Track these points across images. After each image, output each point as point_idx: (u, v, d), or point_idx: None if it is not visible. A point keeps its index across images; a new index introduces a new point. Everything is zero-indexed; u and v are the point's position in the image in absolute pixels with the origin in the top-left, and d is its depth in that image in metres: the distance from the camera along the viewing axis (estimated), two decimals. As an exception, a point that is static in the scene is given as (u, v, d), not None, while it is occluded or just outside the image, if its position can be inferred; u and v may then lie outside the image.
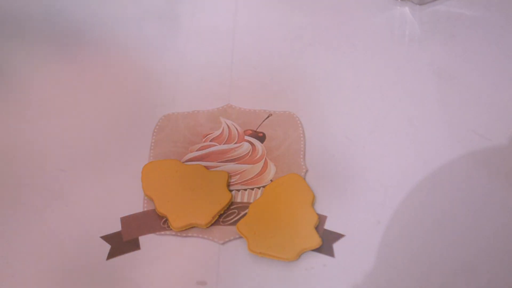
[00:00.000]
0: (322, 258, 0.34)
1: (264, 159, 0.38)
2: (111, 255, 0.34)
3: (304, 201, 0.36)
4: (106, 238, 0.34)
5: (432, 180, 0.37)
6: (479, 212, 0.36)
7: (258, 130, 0.40)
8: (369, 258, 0.34)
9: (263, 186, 0.37)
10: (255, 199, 0.36)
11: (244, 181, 0.37)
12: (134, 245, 0.34)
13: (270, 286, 0.33)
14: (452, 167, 0.38)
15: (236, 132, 0.39)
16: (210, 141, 0.39)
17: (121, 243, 0.34)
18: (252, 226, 0.34)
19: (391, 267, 0.34)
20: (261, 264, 0.34)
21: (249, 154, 0.38)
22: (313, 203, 0.36)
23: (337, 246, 0.35)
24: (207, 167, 0.37)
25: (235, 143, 0.39)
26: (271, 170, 0.38)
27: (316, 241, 0.34)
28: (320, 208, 0.36)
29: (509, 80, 0.42)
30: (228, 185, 0.36)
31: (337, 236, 0.35)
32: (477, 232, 0.35)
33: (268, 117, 0.40)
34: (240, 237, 0.34)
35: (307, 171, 0.38)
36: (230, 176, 0.37)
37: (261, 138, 0.39)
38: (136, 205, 0.36)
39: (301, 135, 0.39)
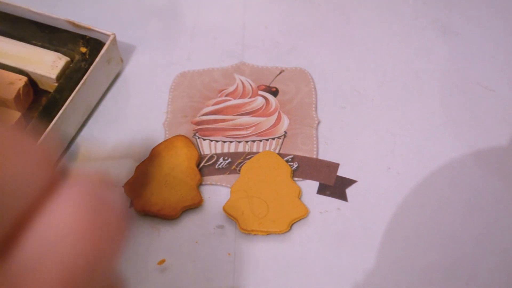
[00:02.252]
0: (336, 202, 0.36)
1: (277, 112, 0.40)
2: None
3: (283, 174, 0.36)
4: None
5: (438, 128, 0.39)
6: (485, 158, 0.37)
7: (271, 85, 0.41)
8: (380, 201, 0.36)
9: (278, 137, 0.38)
10: (269, 149, 0.38)
11: (259, 132, 0.39)
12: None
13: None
14: (458, 117, 0.40)
15: (250, 87, 0.41)
16: (226, 96, 0.41)
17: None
18: (238, 207, 0.35)
19: (400, 210, 0.36)
20: (278, 208, 0.35)
21: (263, 107, 0.40)
22: (291, 176, 0.37)
23: (349, 191, 0.36)
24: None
25: (249, 97, 0.40)
26: (285, 122, 0.39)
27: (304, 210, 0.35)
28: (333, 156, 0.38)
29: (510, 35, 0.44)
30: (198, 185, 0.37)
31: (350, 182, 0.37)
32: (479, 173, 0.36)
33: (280, 73, 0.42)
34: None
35: (319, 122, 0.39)
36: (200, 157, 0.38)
37: (274, 92, 0.41)
38: (157, 156, 0.38)
39: (313, 89, 0.41)
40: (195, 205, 0.35)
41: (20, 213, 0.11)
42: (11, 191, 0.11)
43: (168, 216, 0.35)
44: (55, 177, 0.12)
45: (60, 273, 0.11)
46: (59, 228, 0.11)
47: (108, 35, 0.39)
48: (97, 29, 0.39)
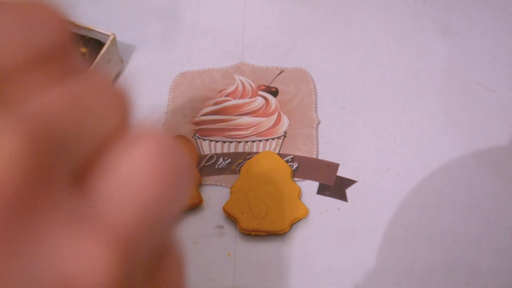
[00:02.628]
0: (336, 202, 0.36)
1: (277, 112, 0.40)
2: None
3: (283, 175, 0.36)
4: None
5: (438, 128, 0.39)
6: (485, 158, 0.37)
7: (271, 86, 0.41)
8: (380, 201, 0.36)
9: (278, 137, 0.38)
10: (269, 149, 0.38)
11: (259, 132, 0.39)
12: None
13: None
14: (458, 117, 0.40)
15: (250, 87, 0.41)
16: (226, 96, 0.41)
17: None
18: (238, 207, 0.35)
19: (400, 209, 0.36)
20: (278, 208, 0.35)
21: (263, 107, 0.40)
22: (291, 176, 0.37)
23: (349, 191, 0.36)
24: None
25: (249, 97, 0.41)
26: (285, 122, 0.39)
27: (304, 210, 0.35)
28: (333, 156, 0.38)
29: (510, 35, 0.44)
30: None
31: (350, 182, 0.37)
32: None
33: (280, 73, 0.42)
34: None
35: (319, 122, 0.39)
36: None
37: (274, 92, 0.41)
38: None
39: (313, 89, 0.41)
40: (195, 205, 0.35)
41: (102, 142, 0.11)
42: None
43: None
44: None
45: (137, 209, 0.11)
46: (135, 166, 0.11)
47: (108, 35, 0.39)
48: (97, 29, 0.39)
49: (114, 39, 0.39)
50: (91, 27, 0.39)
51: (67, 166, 0.10)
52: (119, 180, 0.11)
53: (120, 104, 0.12)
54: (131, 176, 0.11)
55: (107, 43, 0.39)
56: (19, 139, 0.09)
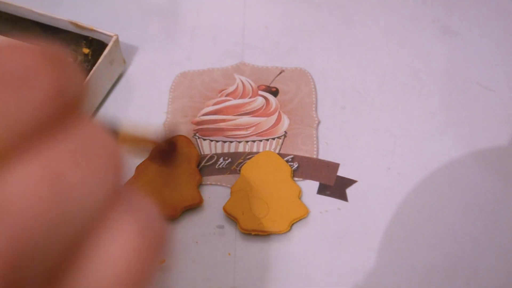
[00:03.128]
0: (336, 202, 0.36)
1: (277, 112, 0.40)
2: None
3: (283, 174, 0.36)
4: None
5: (438, 128, 0.39)
6: (485, 158, 0.37)
7: (271, 85, 0.41)
8: (380, 201, 0.36)
9: (278, 137, 0.38)
10: (269, 149, 0.38)
11: (259, 132, 0.39)
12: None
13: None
14: (458, 117, 0.40)
15: (250, 87, 0.41)
16: (226, 96, 0.41)
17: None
18: (238, 207, 0.35)
19: (400, 209, 0.36)
20: (278, 208, 0.35)
21: (263, 107, 0.40)
22: (291, 176, 0.37)
23: (349, 191, 0.36)
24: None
25: (250, 97, 0.41)
26: (285, 122, 0.39)
27: (304, 210, 0.35)
28: (333, 156, 0.38)
29: (510, 35, 0.44)
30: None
31: (350, 182, 0.37)
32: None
33: (280, 73, 0.42)
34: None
35: (319, 122, 0.39)
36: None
37: (274, 92, 0.41)
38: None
39: (313, 89, 0.41)
40: (195, 205, 0.35)
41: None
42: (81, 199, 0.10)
43: (168, 216, 0.35)
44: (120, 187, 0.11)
45: None
46: (112, 263, 0.11)
47: (111, 36, 0.39)
48: (99, 30, 0.40)
49: (117, 40, 0.39)
50: (94, 28, 0.39)
51: (42, 269, 0.10)
52: (93, 282, 0.10)
53: (112, 168, 0.11)
54: (106, 274, 0.10)
55: (110, 44, 0.39)
56: None
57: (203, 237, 0.35)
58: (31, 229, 0.09)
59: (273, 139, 0.39)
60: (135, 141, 0.32)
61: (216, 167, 0.37)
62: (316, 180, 0.37)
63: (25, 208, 0.09)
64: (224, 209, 0.35)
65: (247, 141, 0.38)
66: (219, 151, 0.38)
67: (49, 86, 0.10)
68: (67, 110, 0.10)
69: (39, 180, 0.09)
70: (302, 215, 0.35)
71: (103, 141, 0.11)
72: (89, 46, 0.39)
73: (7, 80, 0.09)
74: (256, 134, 0.39)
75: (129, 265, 0.11)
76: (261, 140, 0.38)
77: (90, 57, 0.39)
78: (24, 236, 0.09)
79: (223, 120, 0.39)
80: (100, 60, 0.38)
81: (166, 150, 0.31)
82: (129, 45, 0.43)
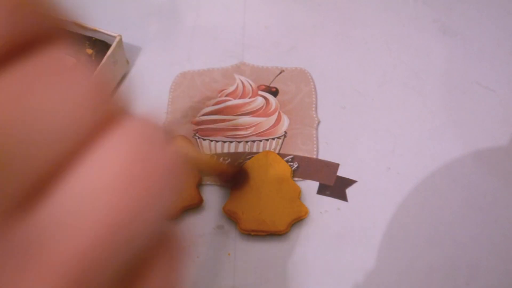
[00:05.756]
0: (336, 202, 0.36)
1: (277, 112, 0.40)
2: None
3: (283, 174, 0.36)
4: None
5: (438, 128, 0.39)
6: (485, 158, 0.37)
7: (271, 85, 0.41)
8: (380, 201, 0.36)
9: (278, 137, 0.38)
10: (269, 149, 0.38)
11: (259, 132, 0.39)
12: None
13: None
14: (458, 117, 0.40)
15: (250, 87, 0.41)
16: (226, 96, 0.41)
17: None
18: (238, 207, 0.35)
19: (400, 209, 0.36)
20: (278, 208, 0.35)
21: (263, 107, 0.40)
22: (291, 176, 0.37)
23: (349, 191, 0.36)
24: (223, 120, 0.39)
25: (250, 97, 0.41)
26: (285, 122, 0.39)
27: (304, 210, 0.35)
28: (333, 156, 0.38)
29: (510, 35, 0.44)
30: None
31: (350, 182, 0.37)
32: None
33: (280, 73, 0.42)
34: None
35: (319, 122, 0.39)
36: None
37: (274, 92, 0.41)
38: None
39: (313, 89, 0.41)
40: (195, 205, 0.35)
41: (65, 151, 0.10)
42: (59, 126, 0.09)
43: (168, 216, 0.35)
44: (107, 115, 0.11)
45: (96, 228, 0.09)
46: (102, 173, 0.10)
47: (114, 37, 0.39)
48: (103, 31, 0.39)
49: (121, 40, 0.39)
50: (97, 29, 0.39)
51: (13, 189, 0.09)
52: (76, 194, 0.09)
53: (93, 90, 0.10)
54: (92, 188, 0.09)
55: (113, 44, 0.39)
56: None
57: (203, 237, 0.35)
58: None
59: (273, 139, 0.39)
60: (207, 166, 0.33)
61: (216, 167, 0.37)
62: (316, 180, 0.37)
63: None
64: (224, 209, 0.35)
65: (247, 141, 0.38)
66: (219, 151, 0.38)
67: None
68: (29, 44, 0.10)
69: None
70: (302, 215, 0.35)
71: (81, 71, 0.10)
72: (93, 47, 0.39)
73: None
74: (256, 134, 0.39)
75: (120, 176, 0.10)
76: (261, 140, 0.38)
77: (93, 58, 0.39)
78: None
79: (223, 120, 0.39)
80: (103, 60, 0.38)
81: (237, 177, 0.33)
82: (133, 45, 0.43)
